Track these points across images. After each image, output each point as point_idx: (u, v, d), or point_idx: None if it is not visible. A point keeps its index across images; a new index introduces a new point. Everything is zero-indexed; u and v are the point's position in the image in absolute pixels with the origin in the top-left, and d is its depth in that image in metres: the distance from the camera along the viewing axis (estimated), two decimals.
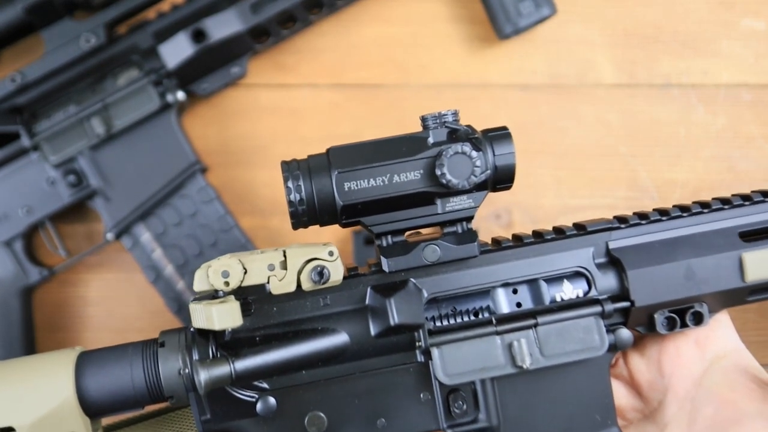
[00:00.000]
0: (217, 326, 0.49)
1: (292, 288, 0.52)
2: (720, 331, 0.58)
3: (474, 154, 0.52)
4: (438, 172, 0.52)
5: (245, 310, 0.53)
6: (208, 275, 0.51)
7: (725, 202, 0.57)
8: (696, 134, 0.81)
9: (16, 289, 0.77)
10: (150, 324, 0.82)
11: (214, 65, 0.78)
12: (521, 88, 0.82)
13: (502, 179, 0.54)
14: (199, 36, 0.74)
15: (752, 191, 0.58)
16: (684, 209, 0.57)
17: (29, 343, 0.77)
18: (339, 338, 0.54)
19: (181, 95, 0.77)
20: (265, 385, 0.54)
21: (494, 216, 0.81)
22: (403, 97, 0.82)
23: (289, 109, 0.83)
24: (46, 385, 0.52)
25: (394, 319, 0.53)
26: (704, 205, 0.57)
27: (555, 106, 0.82)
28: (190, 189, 0.77)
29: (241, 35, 0.75)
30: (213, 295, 0.52)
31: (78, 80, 0.76)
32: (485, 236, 0.80)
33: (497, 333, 0.52)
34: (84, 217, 0.82)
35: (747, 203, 0.57)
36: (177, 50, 0.74)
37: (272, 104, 0.83)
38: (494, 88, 0.82)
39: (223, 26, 0.74)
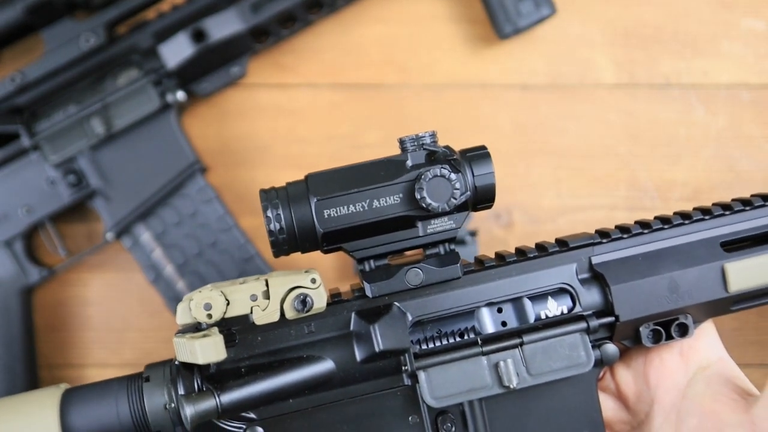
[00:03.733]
0: (200, 361, 0.49)
1: (276, 318, 0.52)
2: (704, 341, 0.58)
3: (453, 176, 0.52)
4: (418, 196, 0.52)
5: (229, 341, 0.53)
6: (190, 308, 0.51)
7: (706, 213, 0.57)
8: (696, 134, 0.81)
9: (16, 289, 0.77)
10: (150, 324, 0.82)
11: (214, 65, 0.78)
12: (521, 88, 0.82)
13: (482, 199, 0.54)
14: (199, 36, 0.75)
15: (732, 199, 0.58)
16: (665, 221, 0.57)
17: (29, 343, 0.78)
18: (325, 365, 0.53)
19: (181, 95, 0.77)
20: (252, 416, 0.54)
21: (494, 216, 0.81)
22: (403, 97, 0.82)
23: (289, 109, 0.83)
24: (31, 425, 0.52)
25: (379, 345, 0.53)
26: (685, 216, 0.57)
27: (555, 106, 0.82)
28: (189, 189, 0.77)
29: (241, 35, 0.75)
30: (196, 327, 0.52)
31: (78, 80, 0.76)
32: (485, 236, 0.81)
33: (483, 354, 0.53)
34: (84, 217, 0.82)
35: (727, 213, 0.57)
36: (177, 50, 0.74)
37: (272, 104, 0.83)
38: (494, 88, 0.82)
39: (223, 26, 0.74)
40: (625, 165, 0.81)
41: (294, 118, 0.83)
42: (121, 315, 0.82)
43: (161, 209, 0.77)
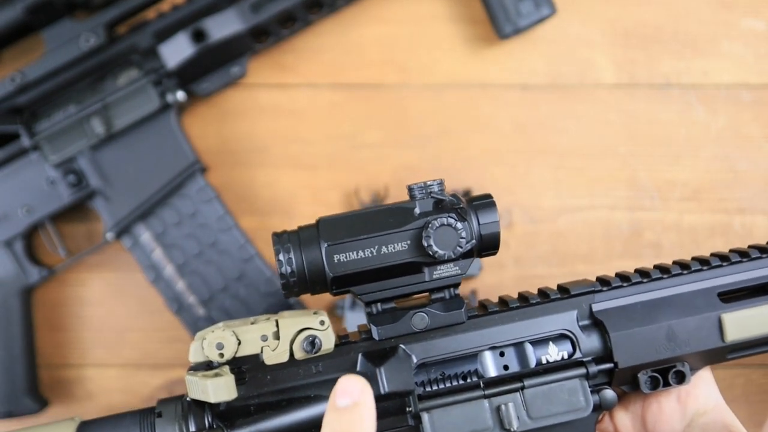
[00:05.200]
0: (212, 399, 0.51)
1: (285, 358, 0.54)
2: (701, 388, 0.59)
3: (459, 225, 0.53)
4: (425, 244, 0.53)
5: (239, 379, 0.54)
6: (203, 347, 0.52)
7: (704, 263, 0.59)
8: (696, 134, 0.81)
9: (16, 289, 0.77)
10: (150, 324, 0.82)
11: (214, 65, 0.78)
12: (521, 88, 0.82)
13: (487, 246, 0.56)
14: (199, 36, 0.75)
15: (730, 250, 0.60)
16: (664, 270, 0.58)
17: (29, 343, 0.77)
18: None
19: (181, 95, 0.77)
20: None
21: None
22: (403, 97, 0.82)
23: (289, 109, 0.83)
24: None
25: (384, 388, 0.54)
26: (684, 266, 0.58)
27: (555, 106, 0.82)
28: (189, 189, 0.77)
29: (241, 35, 0.75)
30: (208, 365, 0.54)
31: (78, 80, 0.76)
32: None
33: (485, 396, 0.54)
34: (84, 217, 0.82)
35: (725, 264, 0.58)
36: (177, 50, 0.74)
37: (272, 104, 0.83)
38: (494, 88, 0.82)
39: (223, 26, 0.74)
40: (625, 165, 0.81)
41: (294, 118, 0.83)
42: (121, 315, 0.82)
43: (161, 209, 0.77)
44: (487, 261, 0.80)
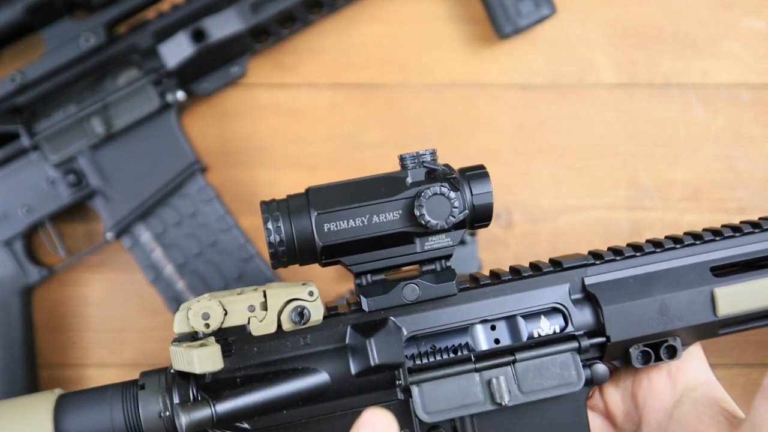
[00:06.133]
0: (198, 370, 0.49)
1: (273, 329, 0.52)
2: (691, 363, 0.58)
3: (452, 194, 0.52)
4: (417, 213, 0.52)
5: (225, 351, 0.53)
6: (188, 317, 0.51)
7: (696, 238, 0.58)
8: (696, 134, 0.81)
9: (16, 289, 0.77)
10: (150, 324, 0.82)
11: (214, 65, 0.78)
12: (521, 88, 0.82)
13: (479, 218, 0.55)
14: (199, 36, 0.75)
15: (722, 225, 0.59)
16: (657, 245, 0.58)
17: (29, 343, 0.78)
18: (319, 378, 0.53)
19: (180, 95, 0.77)
20: (246, 426, 0.53)
21: (494, 216, 0.81)
22: (403, 97, 0.82)
23: (289, 108, 0.83)
24: (24, 431, 0.52)
25: (375, 359, 0.53)
26: (677, 241, 0.58)
27: (555, 106, 0.82)
28: (189, 189, 0.77)
29: (241, 35, 0.75)
30: (193, 336, 0.52)
31: (78, 80, 0.76)
32: (485, 236, 0.81)
33: (476, 370, 0.53)
34: (84, 217, 0.82)
35: (718, 239, 0.58)
36: (177, 50, 0.74)
37: (272, 104, 0.83)
38: (494, 88, 0.82)
39: (223, 26, 0.74)
40: (625, 165, 0.81)
41: (294, 118, 0.83)
42: (121, 315, 0.82)
43: (161, 209, 0.77)
44: (487, 260, 0.80)
